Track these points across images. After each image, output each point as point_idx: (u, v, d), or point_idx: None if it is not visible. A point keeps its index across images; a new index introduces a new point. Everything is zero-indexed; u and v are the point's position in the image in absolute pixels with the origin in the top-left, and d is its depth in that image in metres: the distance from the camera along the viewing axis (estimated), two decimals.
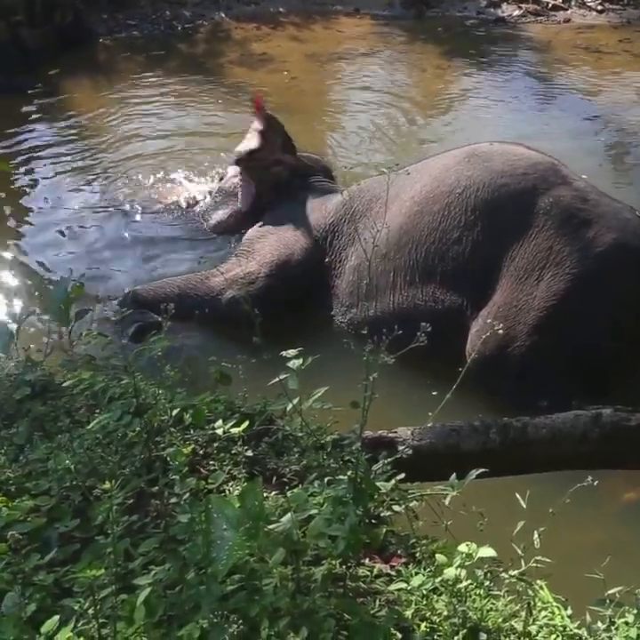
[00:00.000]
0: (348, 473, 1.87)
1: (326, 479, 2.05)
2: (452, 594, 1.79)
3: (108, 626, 1.66)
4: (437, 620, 1.76)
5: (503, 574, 1.88)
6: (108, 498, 1.75)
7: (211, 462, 2.25)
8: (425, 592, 1.82)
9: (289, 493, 1.99)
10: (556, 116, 6.77)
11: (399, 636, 1.72)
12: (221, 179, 5.02)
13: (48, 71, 7.33)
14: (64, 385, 2.66)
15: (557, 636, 1.76)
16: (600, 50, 8.34)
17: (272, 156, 4.54)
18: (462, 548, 1.82)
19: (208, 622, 1.63)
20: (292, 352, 2.05)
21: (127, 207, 5.17)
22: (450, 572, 1.80)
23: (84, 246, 4.83)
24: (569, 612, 1.82)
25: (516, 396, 3.34)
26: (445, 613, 1.77)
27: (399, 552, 2.02)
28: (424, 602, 1.81)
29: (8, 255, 4.77)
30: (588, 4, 9.51)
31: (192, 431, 2.34)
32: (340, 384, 2.22)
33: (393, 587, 1.86)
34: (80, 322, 3.05)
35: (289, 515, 1.76)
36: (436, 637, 1.73)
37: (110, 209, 5.19)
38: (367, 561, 1.96)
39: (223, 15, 9.13)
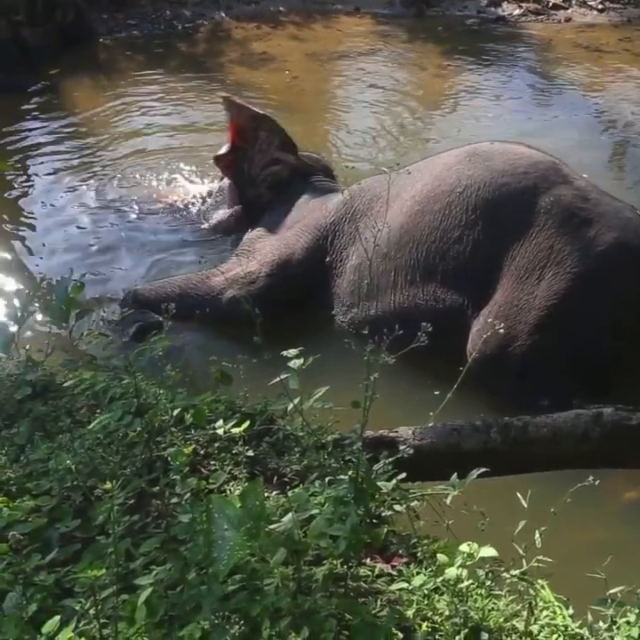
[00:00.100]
0: (349, 473, 1.87)
1: (327, 479, 2.05)
2: (453, 593, 1.79)
3: (109, 626, 1.66)
4: (439, 620, 1.76)
5: (504, 574, 1.88)
6: (109, 498, 1.75)
7: (212, 462, 2.25)
8: (426, 592, 1.82)
9: (290, 493, 1.99)
10: (556, 115, 6.77)
11: (400, 635, 1.72)
12: (222, 178, 5.02)
13: (49, 70, 7.33)
14: (65, 385, 2.66)
15: (559, 635, 1.76)
16: (601, 49, 8.35)
17: (252, 154, 4.57)
18: (463, 547, 1.82)
19: (209, 622, 1.63)
20: (292, 352, 2.05)
21: (127, 207, 5.17)
22: (451, 572, 1.80)
23: (83, 246, 4.82)
24: (570, 611, 1.82)
25: (517, 395, 3.34)
26: (447, 613, 1.76)
27: (400, 552, 2.02)
28: (425, 602, 1.81)
29: (8, 255, 4.77)
30: (589, 3, 9.51)
31: (193, 431, 2.34)
32: (340, 384, 2.21)
33: (394, 586, 1.85)
34: (80, 322, 3.06)
35: (290, 514, 1.76)
36: (437, 637, 1.73)
37: (110, 208, 5.19)
38: (368, 561, 1.96)
39: (223, 14, 9.13)
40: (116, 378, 2.66)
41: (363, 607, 1.76)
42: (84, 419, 2.48)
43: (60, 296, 2.93)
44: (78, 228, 5.00)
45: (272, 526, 1.73)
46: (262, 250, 4.15)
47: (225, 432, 2.26)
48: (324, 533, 1.76)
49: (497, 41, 8.58)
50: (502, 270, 3.48)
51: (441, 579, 1.83)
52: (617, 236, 3.42)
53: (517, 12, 9.39)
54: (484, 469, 2.03)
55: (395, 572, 1.93)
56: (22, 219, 5.20)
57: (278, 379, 2.06)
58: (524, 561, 1.86)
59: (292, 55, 8.07)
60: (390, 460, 2.16)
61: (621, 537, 2.83)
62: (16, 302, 3.02)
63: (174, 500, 2.01)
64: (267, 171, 4.63)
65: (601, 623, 1.79)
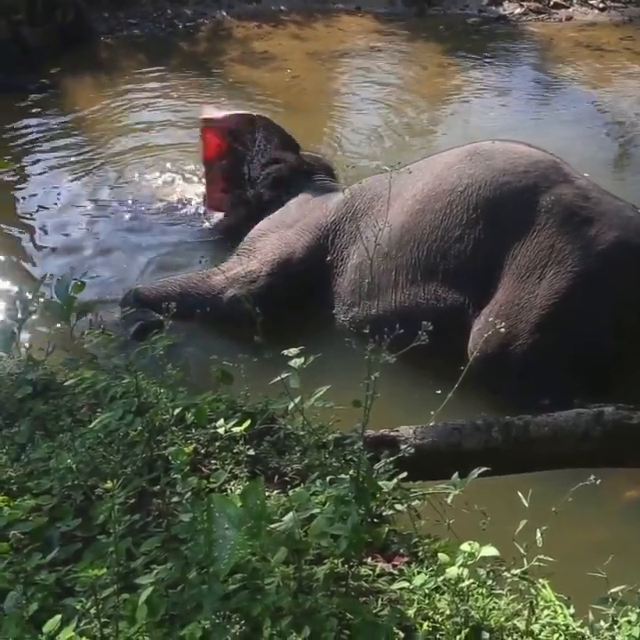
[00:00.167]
0: (350, 472, 1.87)
1: (328, 478, 2.04)
2: (454, 593, 1.79)
3: (109, 625, 1.66)
4: (440, 619, 1.76)
5: (506, 573, 1.87)
6: (110, 497, 1.75)
7: (212, 461, 2.25)
8: (427, 591, 1.82)
9: (291, 492, 1.98)
10: (557, 114, 6.77)
11: (401, 635, 1.71)
12: None
13: (49, 70, 7.33)
14: (66, 384, 2.66)
15: (560, 634, 1.76)
16: (602, 47, 8.34)
17: (251, 155, 4.59)
18: (465, 546, 1.81)
19: (210, 622, 1.63)
20: (293, 351, 2.05)
21: (127, 206, 5.17)
22: (452, 571, 1.79)
23: (83, 246, 4.82)
24: (571, 610, 1.82)
25: (518, 394, 3.34)
26: (448, 612, 1.76)
27: (401, 551, 2.01)
28: (426, 601, 1.81)
29: (8, 255, 4.77)
30: (590, 2, 9.51)
31: (194, 430, 2.34)
32: (341, 383, 2.21)
33: (395, 586, 1.85)
34: (80, 321, 3.05)
35: (291, 514, 1.76)
36: (438, 636, 1.73)
37: (110, 208, 5.19)
38: (369, 560, 1.96)
39: (224, 13, 9.13)
40: (117, 377, 2.66)
41: (364, 606, 1.76)
42: (85, 418, 2.48)
43: (61, 295, 2.93)
44: (77, 227, 5.00)
45: (273, 525, 1.73)
46: (263, 249, 4.15)
47: (226, 431, 2.26)
48: (325, 532, 1.76)
49: (498, 40, 8.58)
50: (503, 269, 3.48)
51: (442, 578, 1.83)
52: (618, 234, 3.42)
53: (518, 10, 9.39)
54: (485, 468, 2.03)
55: (396, 572, 1.92)
56: (22, 219, 5.20)
57: (279, 378, 2.06)
58: (525, 560, 1.86)
59: (293, 54, 8.07)
60: (391, 459, 2.16)
61: (622, 536, 2.83)
62: (16, 302, 3.02)
63: (175, 499, 2.01)
64: (267, 170, 4.63)
65: (602, 622, 1.78)
